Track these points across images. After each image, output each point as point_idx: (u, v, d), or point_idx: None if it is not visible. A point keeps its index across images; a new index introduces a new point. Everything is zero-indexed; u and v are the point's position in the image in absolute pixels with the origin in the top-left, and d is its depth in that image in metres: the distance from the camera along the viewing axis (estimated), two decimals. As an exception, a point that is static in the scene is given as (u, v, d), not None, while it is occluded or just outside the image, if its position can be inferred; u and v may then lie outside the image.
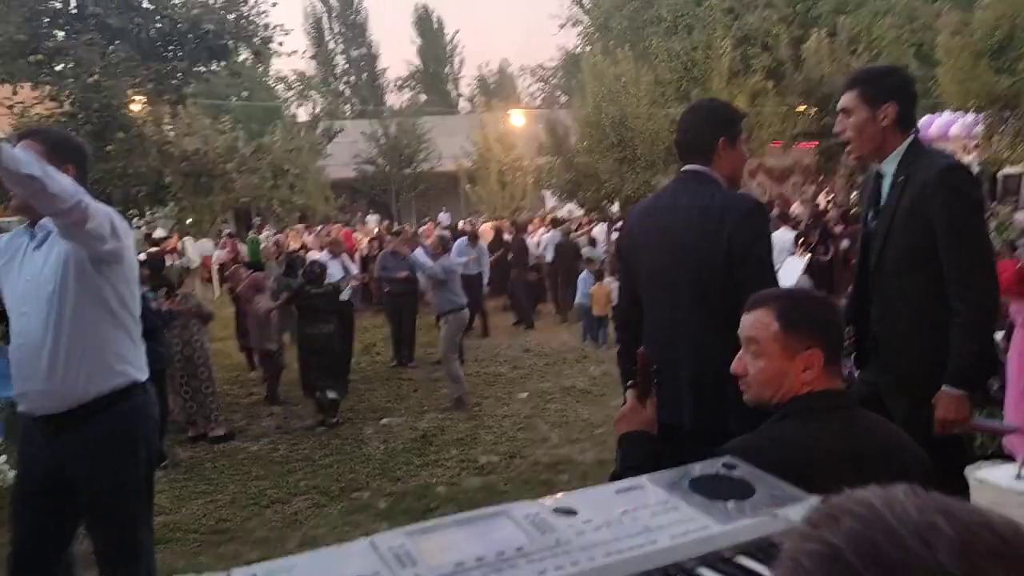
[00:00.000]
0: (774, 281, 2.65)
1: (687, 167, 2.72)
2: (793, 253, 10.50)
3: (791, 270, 9.36)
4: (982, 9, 14.64)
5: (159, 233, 17.62)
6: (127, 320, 2.83)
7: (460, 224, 16.62)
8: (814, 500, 1.30)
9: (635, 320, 2.80)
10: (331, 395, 7.63)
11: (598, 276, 11.34)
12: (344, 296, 8.67)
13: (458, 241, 11.74)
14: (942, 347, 2.54)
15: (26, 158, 2.34)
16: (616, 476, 1.88)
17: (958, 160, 2.79)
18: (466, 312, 8.63)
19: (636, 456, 1.88)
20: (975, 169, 14.34)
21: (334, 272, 8.91)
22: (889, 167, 2.73)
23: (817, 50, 15.41)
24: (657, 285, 2.70)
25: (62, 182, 2.42)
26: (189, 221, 14.12)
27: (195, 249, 14.22)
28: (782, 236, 11.90)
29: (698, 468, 1.40)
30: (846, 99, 2.74)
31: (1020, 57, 13.90)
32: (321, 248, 11.79)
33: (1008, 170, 15.10)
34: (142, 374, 2.89)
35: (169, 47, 7.84)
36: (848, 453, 1.57)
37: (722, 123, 2.71)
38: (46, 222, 2.71)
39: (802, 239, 11.02)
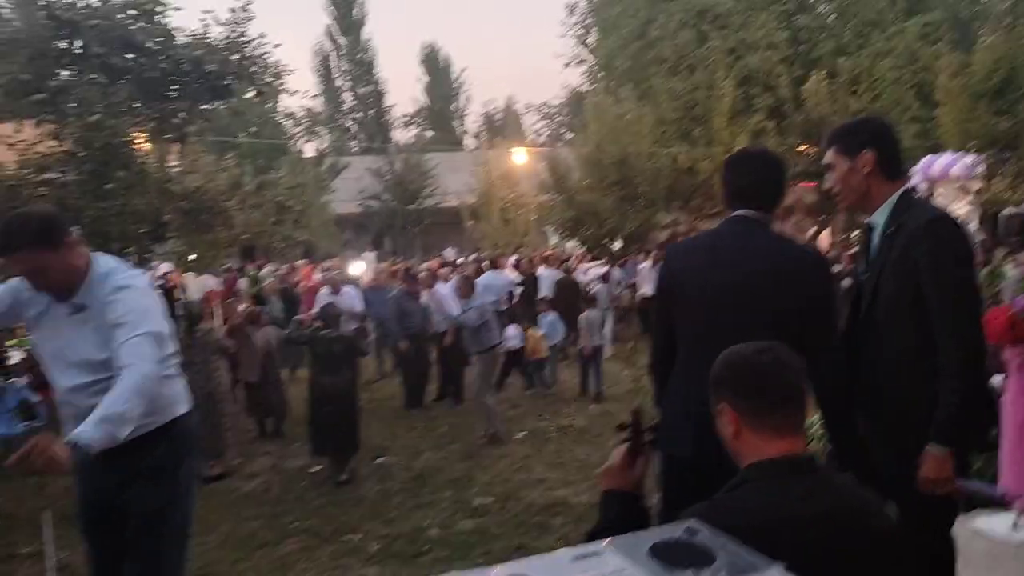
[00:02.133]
0: (835, 329, 2.66)
1: (742, 211, 2.69)
2: None
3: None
4: (981, 51, 14.77)
5: (165, 267, 17.62)
6: (165, 363, 2.94)
7: (458, 260, 16.57)
8: (776, 569, 1.28)
9: (669, 360, 2.76)
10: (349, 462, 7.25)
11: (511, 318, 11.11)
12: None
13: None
14: (930, 400, 2.50)
15: (107, 432, 2.49)
16: (593, 533, 1.84)
17: (945, 211, 2.79)
18: (499, 350, 8.61)
19: (616, 516, 1.83)
20: (975, 211, 14.37)
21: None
22: (879, 218, 2.71)
23: (817, 91, 15.53)
24: (707, 325, 2.62)
25: (137, 409, 2.59)
26: (192, 257, 14.23)
27: (196, 285, 14.27)
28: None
29: (659, 533, 1.38)
30: (827, 156, 2.78)
31: (1019, 99, 14.01)
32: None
33: (1009, 210, 15.13)
34: (184, 407, 3.09)
35: (172, 87, 7.93)
36: (811, 519, 1.54)
37: (787, 177, 2.83)
38: (83, 298, 2.83)
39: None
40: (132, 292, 2.83)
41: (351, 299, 9.73)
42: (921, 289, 2.52)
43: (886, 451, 2.61)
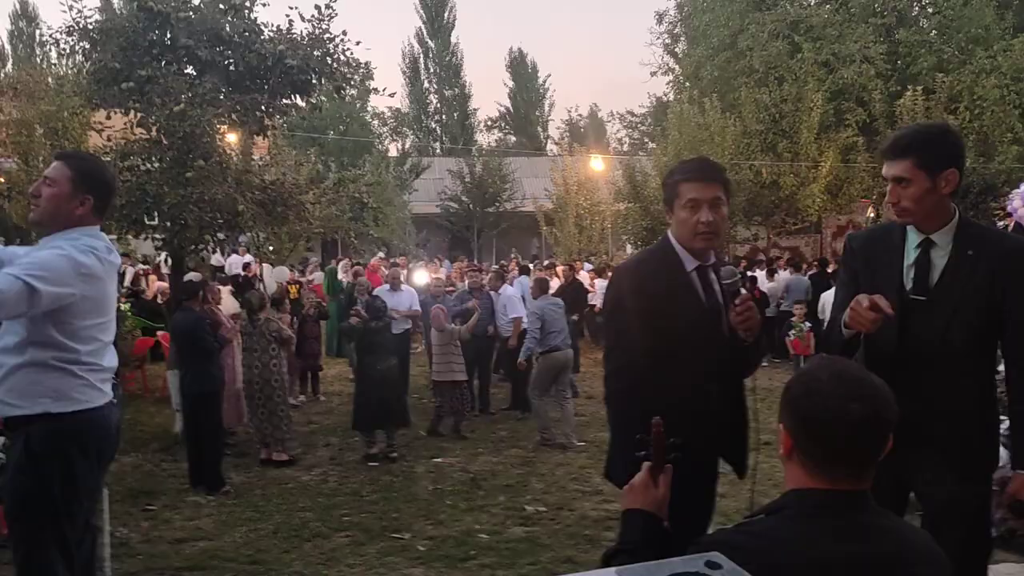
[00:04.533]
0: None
1: None
2: None
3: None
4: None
5: (247, 258, 18.05)
6: (68, 357, 2.84)
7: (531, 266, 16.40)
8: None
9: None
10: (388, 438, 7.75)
11: None
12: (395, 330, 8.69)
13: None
14: (989, 429, 2.62)
15: None
16: (611, 554, 1.74)
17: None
18: (561, 354, 8.44)
19: (634, 538, 1.72)
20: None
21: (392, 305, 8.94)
22: (943, 239, 2.56)
23: (912, 107, 14.88)
24: None
25: None
26: (272, 248, 14.57)
27: (271, 275, 14.60)
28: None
29: (679, 564, 1.26)
30: (900, 168, 2.51)
31: None
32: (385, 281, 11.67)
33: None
34: (61, 407, 2.85)
35: (256, 80, 8.11)
36: (847, 561, 1.39)
37: None
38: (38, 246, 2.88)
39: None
40: (54, 252, 2.75)
41: (410, 299, 9.73)
42: (1002, 315, 2.49)
43: (955, 479, 2.53)
